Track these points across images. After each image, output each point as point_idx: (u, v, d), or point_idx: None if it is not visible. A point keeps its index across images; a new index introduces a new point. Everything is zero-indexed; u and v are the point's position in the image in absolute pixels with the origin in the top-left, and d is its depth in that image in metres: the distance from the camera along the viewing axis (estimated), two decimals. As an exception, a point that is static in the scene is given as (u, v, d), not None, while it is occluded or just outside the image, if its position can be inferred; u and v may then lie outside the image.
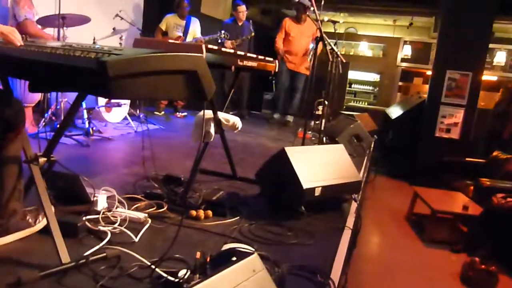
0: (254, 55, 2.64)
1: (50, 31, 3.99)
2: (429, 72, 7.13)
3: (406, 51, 9.31)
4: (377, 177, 5.88)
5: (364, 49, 10.05)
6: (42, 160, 1.73)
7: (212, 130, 2.52)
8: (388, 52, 9.66)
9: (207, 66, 1.28)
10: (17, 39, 1.42)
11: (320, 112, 5.01)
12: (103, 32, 4.50)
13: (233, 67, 2.23)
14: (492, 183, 4.36)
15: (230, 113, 6.29)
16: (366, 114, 5.66)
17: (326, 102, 4.74)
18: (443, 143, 5.86)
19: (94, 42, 4.08)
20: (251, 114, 6.89)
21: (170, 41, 2.11)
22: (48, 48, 1.38)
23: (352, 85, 10.00)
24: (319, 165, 2.45)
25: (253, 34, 5.77)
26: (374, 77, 9.92)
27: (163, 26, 5.58)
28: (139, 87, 1.12)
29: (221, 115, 2.60)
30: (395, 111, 7.05)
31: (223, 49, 2.18)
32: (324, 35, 3.07)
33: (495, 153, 5.13)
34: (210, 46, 2.05)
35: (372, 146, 4.85)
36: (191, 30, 5.57)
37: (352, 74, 9.61)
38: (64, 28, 3.69)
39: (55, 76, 1.24)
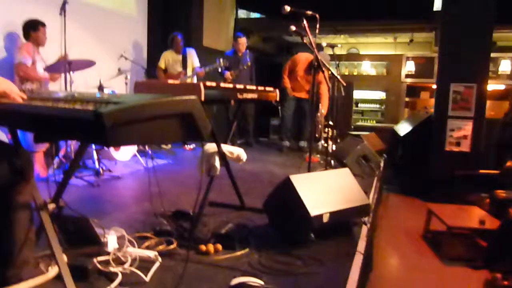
0: (254, 87, 2.70)
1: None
2: (435, 86, 7.14)
3: (409, 67, 9.35)
4: (390, 196, 5.83)
5: (367, 68, 10.12)
6: (51, 206, 1.79)
7: (217, 163, 2.56)
8: (392, 69, 9.72)
9: (203, 106, 1.33)
10: (18, 95, 1.48)
11: (327, 134, 5.03)
12: (109, 73, 4.63)
13: (232, 101, 2.27)
14: (508, 194, 4.28)
15: (238, 141, 6.41)
16: (373, 133, 5.66)
17: (331, 123, 4.79)
18: (454, 157, 5.80)
19: (100, 85, 4.21)
20: (258, 141, 6.93)
21: (169, 81, 2.17)
22: (50, 101, 1.45)
23: (359, 104, 10.03)
24: (325, 191, 2.46)
25: (249, 64, 5.87)
26: (380, 95, 9.95)
27: (162, 64, 5.73)
28: (136, 134, 1.17)
29: (225, 147, 2.64)
30: (403, 128, 7.03)
31: (221, 84, 2.23)
32: (321, 61, 3.12)
33: (508, 163, 5.05)
34: (208, 83, 2.10)
35: (382, 165, 4.83)
36: (189, 62, 5.71)
37: (358, 94, 9.66)
38: (71, 72, 3.81)
39: (57, 128, 1.29)
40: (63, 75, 3.90)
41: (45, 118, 1.28)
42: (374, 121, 9.86)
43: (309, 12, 2.94)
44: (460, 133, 5.90)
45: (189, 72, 5.71)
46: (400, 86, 9.51)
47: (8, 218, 1.64)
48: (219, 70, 5.31)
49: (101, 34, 5.48)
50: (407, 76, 9.42)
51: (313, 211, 2.27)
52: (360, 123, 9.55)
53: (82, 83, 4.62)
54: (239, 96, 2.39)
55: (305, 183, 2.41)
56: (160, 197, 2.89)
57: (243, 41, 6.05)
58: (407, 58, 9.36)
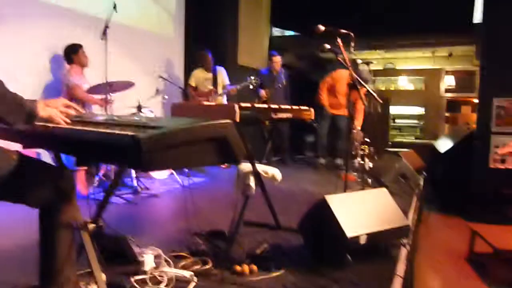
0: (288, 107, 2.70)
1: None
2: (476, 100, 6.90)
3: (449, 81, 9.09)
4: (431, 215, 5.61)
5: (405, 83, 9.92)
6: (91, 226, 1.84)
7: (252, 183, 2.56)
8: (430, 84, 9.48)
9: (238, 126, 1.34)
10: (63, 119, 1.56)
11: (364, 152, 4.94)
12: (147, 94, 4.77)
13: (267, 122, 2.29)
14: (559, 215, 4.03)
15: (273, 159, 6.40)
16: (411, 151, 5.49)
17: (368, 140, 4.70)
18: (498, 174, 5.52)
19: (139, 105, 4.34)
20: (293, 159, 6.89)
21: (204, 103, 2.22)
22: (91, 124, 1.51)
23: (396, 120, 9.81)
24: (362, 211, 2.40)
25: (284, 83, 5.88)
26: (418, 110, 9.69)
27: (192, 82, 5.78)
28: (172, 159, 1.19)
29: (260, 167, 2.64)
30: (443, 144, 6.79)
31: (256, 105, 2.25)
32: (358, 78, 3.09)
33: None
34: (243, 104, 2.13)
35: (421, 183, 4.68)
36: (219, 80, 5.74)
37: (395, 109, 9.46)
38: (111, 94, 3.96)
39: (97, 152, 1.34)
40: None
41: (85, 143, 1.34)
42: (413, 137, 9.60)
43: (343, 31, 2.93)
44: (506, 149, 5.63)
45: (220, 90, 5.74)
46: (439, 101, 9.24)
47: (51, 237, 1.70)
48: (250, 87, 5.26)
49: (139, 55, 5.69)
50: (447, 90, 9.15)
51: (350, 233, 2.22)
52: (398, 139, 9.32)
53: (122, 104, 4.79)
54: (274, 116, 2.40)
55: (341, 204, 2.37)
56: (196, 216, 2.93)
57: (278, 59, 6.09)
58: (446, 72, 9.11)
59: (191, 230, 2.73)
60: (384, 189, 2.68)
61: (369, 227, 2.32)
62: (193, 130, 1.23)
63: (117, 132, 1.24)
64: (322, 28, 2.83)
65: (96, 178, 3.97)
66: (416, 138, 9.48)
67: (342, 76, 5.69)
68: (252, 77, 5.14)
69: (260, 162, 3.07)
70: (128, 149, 1.14)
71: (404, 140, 9.30)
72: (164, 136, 1.16)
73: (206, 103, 2.22)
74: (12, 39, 3.92)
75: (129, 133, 1.21)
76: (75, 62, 4.22)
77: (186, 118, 1.39)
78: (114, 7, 3.89)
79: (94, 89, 3.97)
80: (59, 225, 1.71)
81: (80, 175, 3.84)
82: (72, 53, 4.20)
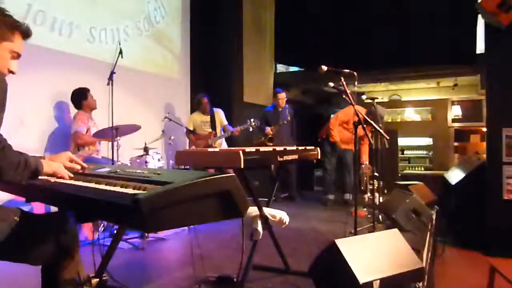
0: (294, 148, 2.68)
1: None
2: (485, 129, 6.84)
3: (455, 111, 9.07)
4: (446, 250, 5.44)
5: (411, 114, 9.91)
6: (94, 281, 1.80)
7: (260, 227, 2.51)
8: (437, 114, 9.46)
9: (242, 174, 1.31)
10: (66, 173, 1.56)
11: (373, 186, 4.86)
12: (153, 135, 4.81)
13: (272, 166, 2.26)
14: None
15: (281, 196, 6.33)
16: (421, 184, 5.38)
17: (377, 174, 4.63)
18: (514, 206, 5.38)
19: (145, 147, 4.36)
20: (302, 195, 6.80)
21: (209, 150, 2.20)
22: (93, 179, 1.49)
23: (405, 152, 9.74)
24: (374, 255, 2.32)
25: (289, 119, 5.89)
26: (427, 141, 9.63)
27: (190, 126, 5.75)
28: (174, 217, 1.16)
29: (268, 211, 2.59)
30: (454, 176, 6.67)
31: (261, 149, 2.23)
32: (364, 117, 3.08)
33: None
34: (247, 149, 2.11)
35: (434, 218, 4.56)
36: (217, 122, 5.75)
37: (403, 141, 9.40)
38: (118, 138, 3.98)
39: (98, 210, 1.31)
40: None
41: (85, 199, 1.31)
42: (422, 168, 9.48)
43: (346, 71, 2.95)
44: (519, 180, 5.52)
45: (218, 131, 5.73)
46: (447, 131, 9.19)
47: (54, 294, 1.66)
48: (250, 129, 5.24)
49: (145, 97, 5.77)
50: (454, 120, 9.11)
51: (362, 278, 2.13)
52: (407, 170, 9.22)
53: (129, 145, 4.81)
54: (280, 159, 2.37)
55: (352, 247, 2.29)
56: (204, 261, 2.86)
57: (282, 96, 6.14)
58: (453, 102, 9.11)
59: (198, 277, 2.66)
60: (396, 230, 2.60)
61: (382, 272, 2.23)
62: (196, 185, 1.20)
63: (117, 190, 1.22)
64: (325, 68, 2.84)
65: (103, 223, 3.93)
66: (425, 169, 9.37)
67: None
68: (252, 120, 5.15)
69: (268, 200, 3.01)
70: (128, 210, 1.11)
71: (414, 171, 9.19)
72: (166, 194, 1.14)
73: (210, 149, 2.20)
74: (19, 86, 4.01)
75: (130, 191, 1.19)
76: (84, 107, 4.28)
77: (189, 172, 1.37)
78: (120, 52, 3.97)
79: (100, 133, 4.00)
80: (62, 281, 1.67)
81: (87, 220, 3.80)
82: (83, 98, 4.27)
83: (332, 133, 5.67)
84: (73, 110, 4.50)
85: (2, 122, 1.41)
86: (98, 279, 1.81)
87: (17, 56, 1.60)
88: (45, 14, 4.41)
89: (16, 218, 1.43)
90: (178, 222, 1.18)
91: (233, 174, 1.29)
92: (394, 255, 2.38)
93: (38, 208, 3.71)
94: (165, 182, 1.30)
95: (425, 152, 9.71)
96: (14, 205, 2.03)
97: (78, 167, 1.65)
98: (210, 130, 5.71)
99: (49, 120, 4.48)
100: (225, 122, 5.81)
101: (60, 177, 1.55)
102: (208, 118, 5.78)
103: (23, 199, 1.89)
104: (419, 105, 9.85)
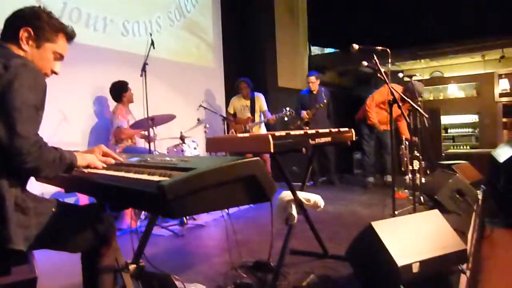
0: (327, 130, 2.62)
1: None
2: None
3: (503, 85, 8.58)
4: (495, 231, 5.19)
5: (455, 91, 9.47)
6: (132, 267, 1.85)
7: (294, 211, 2.49)
8: (483, 90, 8.98)
9: (274, 159, 1.28)
10: (100, 164, 1.61)
11: (415, 167, 4.70)
12: (189, 124, 4.88)
13: (304, 149, 2.22)
14: None
15: (319, 180, 6.26)
16: (466, 163, 5.14)
17: (418, 155, 4.46)
18: None
19: (181, 136, 4.43)
20: (341, 178, 6.69)
21: (238, 135, 2.19)
22: (123, 169, 1.52)
23: (448, 130, 9.34)
24: (413, 237, 2.25)
25: (325, 102, 5.78)
26: (472, 118, 9.18)
27: (230, 109, 5.91)
28: (200, 203, 1.16)
29: (302, 195, 2.56)
30: (503, 153, 6.31)
31: (291, 132, 2.19)
32: (400, 95, 2.96)
33: None
34: (277, 133, 2.08)
35: (480, 198, 4.36)
36: (257, 107, 5.77)
37: (446, 119, 9.01)
38: (154, 128, 4.07)
39: (127, 198, 1.34)
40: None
41: (116, 189, 1.35)
42: (468, 147, 9.07)
43: (379, 48, 2.83)
44: None
45: (257, 116, 5.77)
46: (494, 107, 8.72)
47: (94, 281, 1.72)
48: (285, 119, 5.25)
49: (180, 87, 5.84)
50: (501, 95, 8.63)
51: (400, 261, 2.07)
52: (452, 150, 8.84)
53: (166, 135, 4.91)
54: (312, 142, 2.32)
55: (389, 230, 2.23)
56: (241, 246, 2.89)
57: (312, 79, 6.02)
58: (500, 76, 8.60)
59: (235, 263, 2.68)
60: (436, 211, 2.50)
61: (421, 254, 2.16)
62: (219, 171, 1.20)
63: (143, 178, 1.23)
64: (356, 47, 2.75)
65: (143, 212, 4.05)
66: (471, 148, 8.95)
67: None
68: (287, 109, 5.16)
69: (302, 184, 2.97)
70: (154, 197, 1.12)
71: (459, 150, 8.80)
72: (190, 180, 1.14)
73: (240, 135, 2.20)
74: (60, 83, 4.16)
75: (155, 179, 1.20)
76: (123, 100, 4.40)
77: (216, 158, 1.36)
78: (152, 43, 4.02)
79: (137, 125, 4.10)
80: (101, 268, 1.73)
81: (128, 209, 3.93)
82: (123, 91, 4.39)
83: (370, 114, 5.49)
84: (111, 104, 4.64)
85: (41, 121, 1.45)
86: (135, 265, 1.86)
87: (60, 57, 1.64)
88: (80, 11, 4.54)
89: (53, 209, 1.49)
90: (203, 207, 1.18)
91: (258, 158, 1.28)
92: (434, 237, 2.30)
93: (83, 199, 3.88)
94: (190, 168, 1.31)
95: (470, 130, 9.27)
96: (60, 197, 2.10)
97: (112, 161, 1.69)
98: (249, 114, 5.75)
99: (89, 115, 4.64)
100: (265, 108, 5.81)
101: (94, 168, 1.60)
102: (248, 102, 5.81)
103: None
104: (462, 81, 9.39)
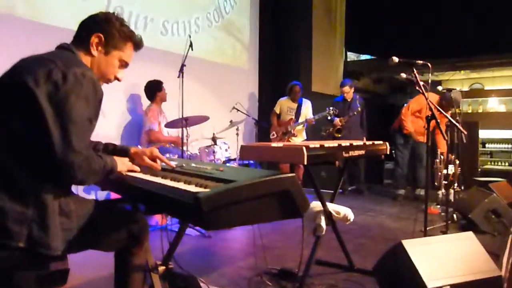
0: (361, 142, 2.59)
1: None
2: None
3: (547, 101, 8.20)
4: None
5: (495, 104, 9.13)
6: (161, 268, 1.89)
7: (323, 223, 2.47)
8: (526, 105, 8.61)
9: (307, 169, 1.29)
10: (137, 168, 1.66)
11: (449, 182, 4.58)
12: (222, 125, 4.92)
13: (337, 162, 2.20)
14: None
15: (348, 188, 6.18)
16: (504, 182, 4.95)
17: (453, 170, 4.33)
18: None
19: (213, 137, 4.48)
20: (370, 188, 6.58)
21: (272, 145, 2.20)
22: (160, 173, 1.55)
23: (486, 145, 9.00)
24: (445, 258, 2.18)
25: (359, 110, 5.70)
26: (512, 133, 8.82)
27: (277, 109, 5.92)
28: (234, 216, 1.18)
29: (331, 206, 2.54)
30: (544, 172, 6.08)
31: (326, 144, 2.18)
32: (438, 110, 2.88)
33: None
34: (311, 145, 2.07)
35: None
36: (303, 112, 5.76)
37: (485, 133, 8.68)
38: (187, 128, 4.13)
39: (163, 204, 1.37)
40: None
41: (152, 194, 1.38)
42: (506, 163, 8.72)
43: (420, 62, 2.77)
44: None
45: (301, 120, 5.75)
46: (537, 123, 8.35)
47: (125, 278, 1.76)
48: (328, 118, 5.37)
49: (215, 87, 5.91)
50: (545, 111, 8.25)
51: (431, 283, 2.02)
52: (488, 165, 8.53)
53: (199, 135, 4.98)
54: (345, 155, 2.30)
55: (420, 249, 2.17)
56: (267, 252, 2.90)
57: (346, 90, 5.96)
58: (544, 92, 8.23)
59: (261, 268, 2.69)
60: (470, 233, 2.42)
61: (452, 277, 2.10)
62: (256, 185, 1.21)
63: (180, 187, 1.26)
64: (396, 59, 2.69)
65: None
66: (510, 165, 8.61)
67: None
68: (331, 108, 5.24)
69: (333, 195, 2.95)
70: (189, 207, 1.14)
71: (496, 167, 8.49)
72: (226, 193, 1.16)
73: (274, 144, 2.20)
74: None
75: (192, 189, 1.22)
76: (156, 99, 4.48)
77: (250, 170, 1.37)
78: (191, 45, 4.08)
79: (171, 124, 4.17)
80: (132, 267, 1.77)
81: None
82: (157, 90, 4.48)
83: (405, 124, 5.35)
84: (144, 102, 4.74)
85: (94, 129, 1.48)
86: (164, 267, 1.90)
87: (125, 65, 1.68)
88: (122, 9, 4.65)
89: (91, 210, 1.53)
90: (237, 221, 1.19)
91: (293, 174, 1.28)
92: (468, 260, 2.23)
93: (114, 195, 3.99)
94: (226, 179, 1.33)
95: (510, 146, 8.90)
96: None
97: (158, 167, 1.72)
98: (292, 117, 5.77)
99: (124, 111, 4.76)
100: (310, 115, 5.79)
101: (153, 167, 1.69)
102: (295, 105, 5.82)
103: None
104: (504, 95, 9.02)
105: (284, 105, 5.88)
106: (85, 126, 1.38)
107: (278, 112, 5.91)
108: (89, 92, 1.39)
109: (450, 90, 4.33)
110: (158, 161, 1.77)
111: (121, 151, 1.81)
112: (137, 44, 1.70)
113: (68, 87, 1.34)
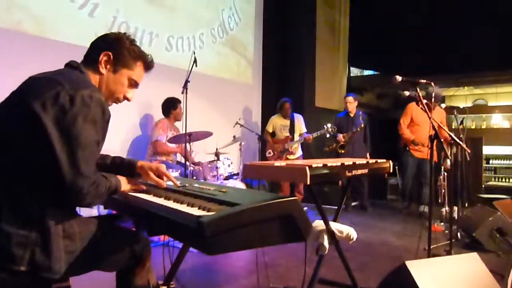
0: (364, 161, 2.59)
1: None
2: None
3: (551, 117, 8.18)
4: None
5: (498, 120, 9.12)
6: (162, 288, 1.88)
7: (326, 242, 2.46)
8: (529, 121, 8.60)
9: (309, 189, 1.29)
10: (141, 187, 1.66)
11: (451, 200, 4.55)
12: (225, 140, 4.93)
13: (340, 182, 2.20)
14: None
15: (351, 204, 6.15)
16: (509, 200, 4.90)
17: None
18: None
19: (216, 152, 4.49)
20: (374, 204, 6.54)
21: (275, 164, 2.20)
22: (162, 195, 1.55)
23: (490, 161, 8.97)
24: (449, 280, 2.16)
25: (362, 126, 5.71)
26: (516, 149, 8.79)
27: (269, 128, 5.98)
28: (236, 240, 1.18)
29: (334, 225, 2.53)
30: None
31: (328, 163, 2.18)
32: (441, 129, 2.88)
33: None
34: (314, 164, 2.07)
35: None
36: (296, 127, 5.83)
37: (488, 149, 8.66)
38: (191, 143, 4.15)
39: (165, 226, 1.38)
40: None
41: (153, 215, 1.38)
42: (511, 180, 8.67)
43: (423, 81, 2.78)
44: None
45: (296, 136, 5.82)
46: (541, 140, 8.33)
47: (127, 299, 1.75)
48: (327, 135, 5.40)
49: (219, 102, 5.94)
50: (549, 128, 8.23)
51: (435, 306, 2.00)
52: (492, 182, 8.49)
53: (201, 150, 4.99)
54: (348, 174, 2.30)
55: (424, 271, 2.15)
56: (268, 270, 2.88)
57: (350, 100, 5.98)
58: (548, 108, 8.23)
59: (263, 286, 2.67)
60: (475, 254, 2.40)
61: (457, 300, 2.08)
62: (259, 209, 1.21)
63: (183, 210, 1.26)
64: (399, 78, 2.71)
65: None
66: (514, 181, 8.56)
67: (417, 108, 5.44)
68: (329, 125, 5.26)
69: (336, 214, 2.93)
70: (192, 231, 1.14)
71: (500, 183, 8.44)
72: (229, 217, 1.16)
73: (277, 163, 2.20)
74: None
75: (195, 212, 1.22)
76: (170, 116, 4.55)
77: (253, 192, 1.37)
78: (195, 61, 4.11)
79: (174, 139, 4.19)
80: (133, 287, 1.76)
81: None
82: (172, 107, 4.56)
83: (403, 134, 5.48)
84: (151, 117, 4.77)
85: (101, 150, 1.49)
86: (166, 287, 1.89)
87: (135, 84, 1.67)
88: (128, 25, 4.72)
89: (94, 231, 1.53)
90: (240, 245, 1.19)
91: (296, 198, 1.28)
92: (471, 282, 2.20)
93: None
94: (229, 202, 1.33)
95: (514, 162, 8.87)
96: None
97: (163, 184, 1.72)
98: (288, 134, 5.81)
99: (129, 126, 4.79)
100: (304, 130, 5.90)
101: (135, 190, 1.66)
102: (288, 122, 5.88)
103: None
104: (508, 111, 9.03)
105: (276, 123, 5.93)
106: (93, 149, 1.38)
107: (271, 131, 5.97)
108: (96, 114, 1.38)
109: (453, 108, 4.33)
110: (164, 178, 1.76)
111: (128, 165, 1.80)
112: (148, 64, 1.70)
113: (75, 110, 1.33)
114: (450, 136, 3.25)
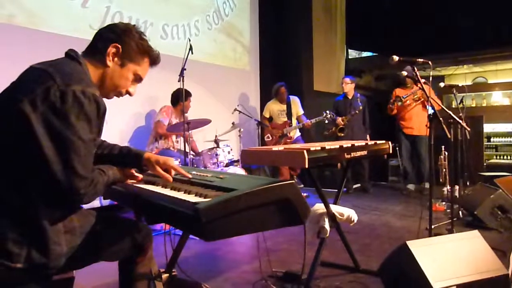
0: (363, 143, 2.57)
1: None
2: None
3: (552, 93, 8.13)
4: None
5: (499, 98, 9.07)
6: (164, 276, 1.89)
7: (327, 225, 2.46)
8: (530, 97, 8.54)
9: (308, 172, 1.29)
10: (140, 177, 1.65)
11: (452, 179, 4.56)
12: (224, 127, 4.91)
13: (339, 164, 2.19)
14: None
15: (353, 187, 6.16)
16: (510, 177, 4.89)
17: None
18: None
19: (215, 139, 4.48)
20: (375, 185, 6.56)
21: (273, 148, 2.19)
22: (161, 182, 1.55)
23: (491, 139, 8.94)
24: (450, 258, 2.17)
25: (360, 108, 5.70)
26: (517, 126, 8.75)
27: (266, 114, 5.97)
28: (233, 226, 1.17)
29: (335, 208, 2.53)
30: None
31: (326, 146, 2.17)
32: (439, 108, 2.86)
33: None
34: (312, 147, 2.06)
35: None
36: (293, 110, 5.82)
37: (489, 127, 8.62)
38: (190, 131, 4.14)
39: (163, 214, 1.37)
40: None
41: (151, 203, 1.38)
42: (512, 157, 8.66)
43: (420, 60, 2.75)
44: None
45: (294, 120, 5.82)
46: (542, 116, 8.29)
47: (129, 287, 1.76)
48: (326, 121, 5.40)
49: (216, 90, 5.91)
50: (550, 103, 8.18)
51: (436, 284, 2.01)
52: (494, 160, 8.47)
53: (201, 137, 4.98)
54: (347, 156, 2.29)
55: (425, 250, 2.16)
56: (271, 256, 2.89)
57: (346, 81, 5.97)
58: (549, 84, 8.16)
59: (265, 272, 2.69)
60: (476, 232, 2.40)
61: (458, 277, 2.08)
62: (255, 194, 1.20)
63: (180, 197, 1.26)
64: (396, 58, 2.67)
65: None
66: (515, 159, 8.55)
67: (402, 92, 5.67)
68: (328, 112, 5.28)
69: (336, 197, 2.93)
70: (189, 218, 1.14)
71: (502, 161, 8.43)
72: (225, 203, 1.15)
73: (275, 148, 2.19)
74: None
75: (191, 199, 1.22)
76: (177, 106, 4.54)
77: (250, 177, 1.37)
78: (190, 48, 4.07)
79: (173, 128, 4.17)
80: (136, 276, 1.76)
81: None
82: (180, 99, 4.52)
83: (392, 113, 5.69)
84: (150, 107, 4.76)
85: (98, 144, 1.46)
86: (168, 274, 1.90)
87: (139, 79, 1.63)
88: (121, 14, 4.66)
89: (94, 223, 1.52)
90: (237, 230, 1.19)
91: (293, 181, 1.27)
92: (474, 260, 2.21)
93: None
94: (226, 188, 1.32)
95: (515, 139, 8.84)
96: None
97: (170, 179, 1.64)
98: (286, 119, 5.79)
99: (127, 116, 4.77)
100: (301, 112, 5.89)
101: (164, 178, 1.63)
102: (284, 106, 5.86)
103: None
104: (508, 88, 8.96)
105: (273, 108, 5.92)
106: (89, 147, 1.32)
107: (268, 116, 5.96)
108: (90, 111, 1.31)
109: (452, 86, 4.30)
110: (172, 171, 1.68)
111: (135, 156, 1.73)
112: (154, 60, 1.65)
113: (67, 108, 1.26)
114: (453, 117, 3.23)
